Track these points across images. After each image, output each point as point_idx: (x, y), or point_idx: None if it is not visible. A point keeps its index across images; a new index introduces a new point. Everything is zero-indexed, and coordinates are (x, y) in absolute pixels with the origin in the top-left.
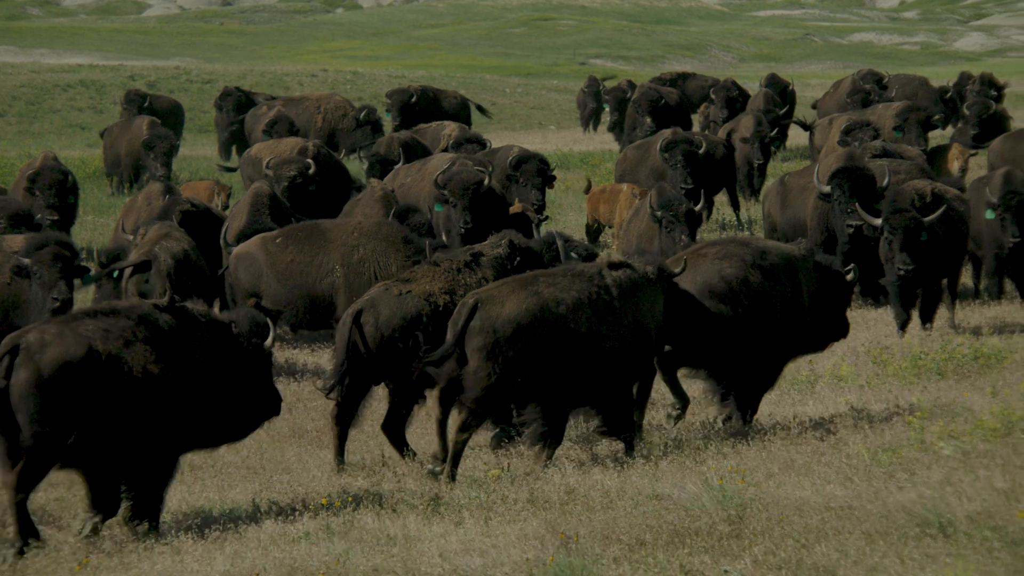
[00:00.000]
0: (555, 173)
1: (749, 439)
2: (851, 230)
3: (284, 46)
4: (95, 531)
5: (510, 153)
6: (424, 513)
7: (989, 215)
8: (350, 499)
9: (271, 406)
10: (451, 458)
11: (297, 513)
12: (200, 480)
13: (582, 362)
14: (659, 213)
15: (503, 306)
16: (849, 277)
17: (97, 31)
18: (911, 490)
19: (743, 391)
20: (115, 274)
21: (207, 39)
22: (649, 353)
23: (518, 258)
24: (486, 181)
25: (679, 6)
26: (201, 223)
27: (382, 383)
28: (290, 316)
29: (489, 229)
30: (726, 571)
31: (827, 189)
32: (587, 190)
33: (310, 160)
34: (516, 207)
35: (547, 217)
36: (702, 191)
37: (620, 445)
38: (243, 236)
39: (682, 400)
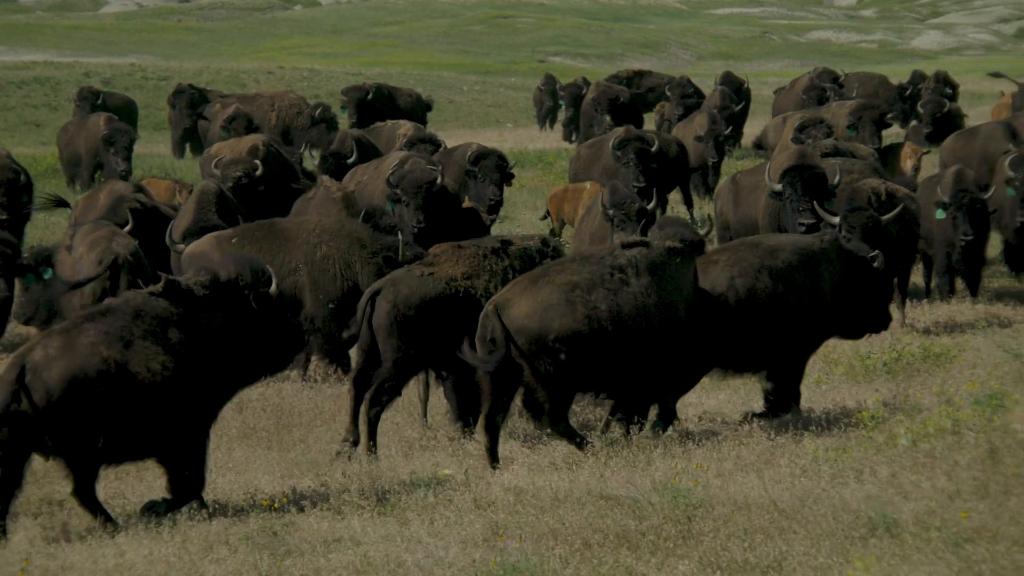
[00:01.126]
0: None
1: (700, 439)
2: (803, 228)
3: (242, 43)
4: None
5: (468, 150)
6: (370, 514)
7: (940, 214)
8: (295, 500)
9: (295, 342)
10: (566, 434)
11: (242, 514)
12: (146, 480)
13: (613, 346)
14: (611, 212)
15: (519, 306)
16: (875, 264)
17: (54, 28)
18: (858, 490)
19: (775, 388)
20: (47, 275)
21: (164, 36)
22: (681, 329)
23: (550, 257)
24: (438, 180)
25: (637, 4)
26: (149, 222)
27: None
28: None
29: (442, 228)
30: (671, 572)
31: (779, 187)
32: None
33: (257, 161)
34: (466, 204)
35: (496, 218)
36: (654, 189)
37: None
38: (189, 234)
39: None
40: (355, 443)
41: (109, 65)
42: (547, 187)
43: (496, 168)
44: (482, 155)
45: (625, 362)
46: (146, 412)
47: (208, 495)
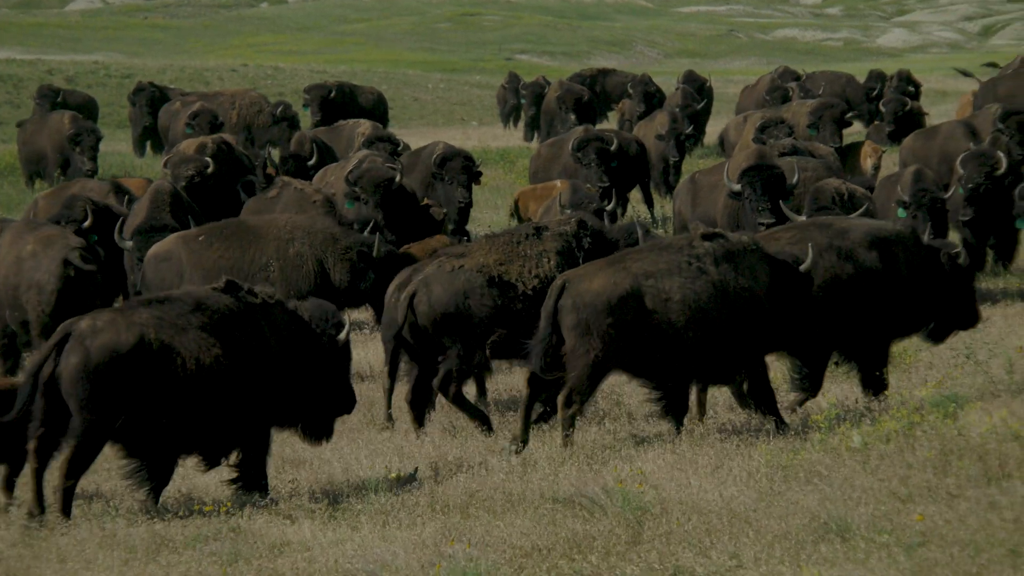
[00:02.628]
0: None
1: (654, 440)
2: (762, 228)
3: (208, 41)
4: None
5: (435, 150)
6: (322, 518)
7: (901, 214)
8: (245, 504)
9: (345, 402)
10: (565, 426)
11: (190, 519)
12: (95, 484)
13: (684, 333)
14: (568, 211)
15: (591, 282)
16: (960, 261)
17: (19, 25)
18: (812, 492)
19: (863, 368)
20: None
21: (130, 34)
22: (754, 320)
23: (588, 238)
24: (397, 178)
25: (604, 2)
26: (102, 221)
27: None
28: None
29: (401, 226)
30: None
31: (737, 187)
32: None
33: (209, 159)
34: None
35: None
36: (613, 189)
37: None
38: (139, 232)
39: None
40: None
41: (72, 62)
42: (509, 186)
43: (463, 169)
44: (448, 157)
45: (689, 351)
46: (187, 404)
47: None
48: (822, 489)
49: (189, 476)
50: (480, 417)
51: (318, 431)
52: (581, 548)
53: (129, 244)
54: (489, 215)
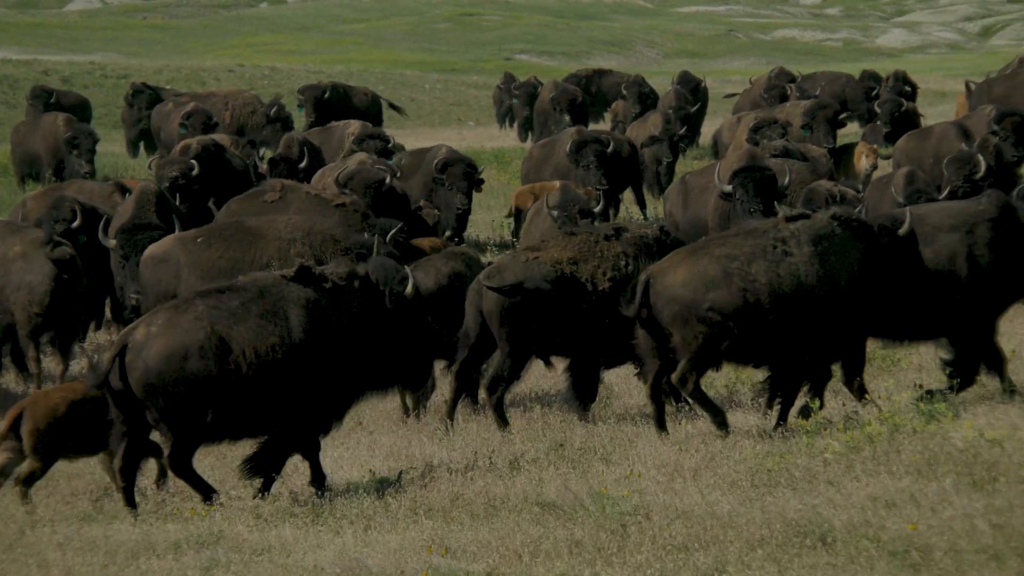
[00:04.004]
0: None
1: (641, 443)
2: None
3: (207, 41)
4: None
5: (438, 154)
6: (303, 522)
7: None
8: (227, 508)
9: (433, 349)
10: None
11: (170, 522)
12: (73, 489)
13: (769, 318)
14: (555, 213)
15: (677, 272)
16: None
17: (17, 25)
18: (794, 497)
19: (957, 358)
20: None
21: (129, 34)
22: (845, 302)
23: (668, 243)
24: (387, 180)
25: (603, 2)
26: (90, 223)
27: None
28: None
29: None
30: None
31: (729, 188)
32: None
33: (193, 160)
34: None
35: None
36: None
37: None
38: (124, 231)
39: None
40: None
41: (68, 63)
42: (503, 187)
43: (464, 175)
44: (450, 162)
45: (782, 335)
46: (256, 391)
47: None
48: (806, 494)
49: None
50: (503, 422)
51: (416, 380)
52: (564, 552)
53: (112, 243)
54: (482, 215)
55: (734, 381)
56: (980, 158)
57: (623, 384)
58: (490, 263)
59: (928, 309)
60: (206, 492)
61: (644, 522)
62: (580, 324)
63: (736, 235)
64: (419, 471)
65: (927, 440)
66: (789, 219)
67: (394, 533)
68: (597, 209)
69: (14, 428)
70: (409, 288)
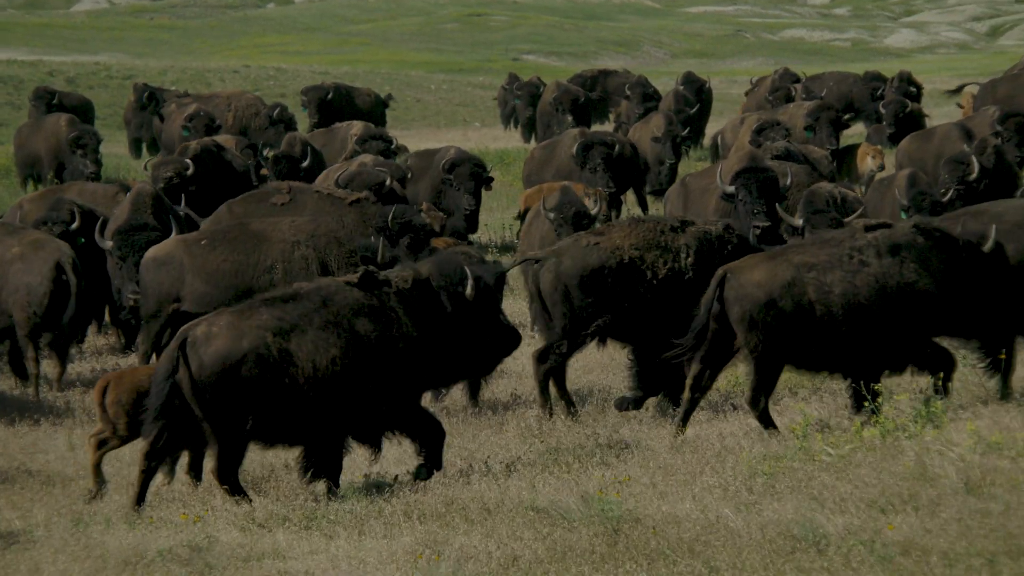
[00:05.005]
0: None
1: (636, 447)
2: (758, 231)
3: (214, 41)
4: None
5: (446, 155)
6: (297, 527)
7: (903, 217)
8: (221, 513)
9: (505, 340)
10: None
11: (163, 528)
12: (69, 493)
13: (843, 328)
14: (551, 215)
15: (753, 273)
16: None
17: (24, 25)
18: (789, 502)
19: None
20: None
21: (135, 34)
22: (926, 310)
23: (732, 243)
24: (387, 181)
25: (611, 2)
26: (88, 225)
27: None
28: None
29: None
30: None
31: (731, 189)
32: None
33: (188, 161)
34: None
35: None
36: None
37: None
38: (120, 232)
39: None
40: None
41: (73, 63)
42: (506, 188)
43: (472, 175)
44: (457, 162)
45: (858, 343)
46: (314, 399)
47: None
48: (800, 498)
49: (169, 487)
50: (568, 401)
51: (477, 373)
52: (558, 557)
53: (109, 244)
54: (484, 216)
55: (734, 384)
56: (973, 160)
57: (622, 387)
58: (495, 262)
59: (989, 307)
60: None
61: (636, 527)
62: (639, 311)
63: (814, 243)
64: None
65: (924, 443)
66: (868, 228)
67: (388, 538)
68: (594, 211)
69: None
70: (469, 290)
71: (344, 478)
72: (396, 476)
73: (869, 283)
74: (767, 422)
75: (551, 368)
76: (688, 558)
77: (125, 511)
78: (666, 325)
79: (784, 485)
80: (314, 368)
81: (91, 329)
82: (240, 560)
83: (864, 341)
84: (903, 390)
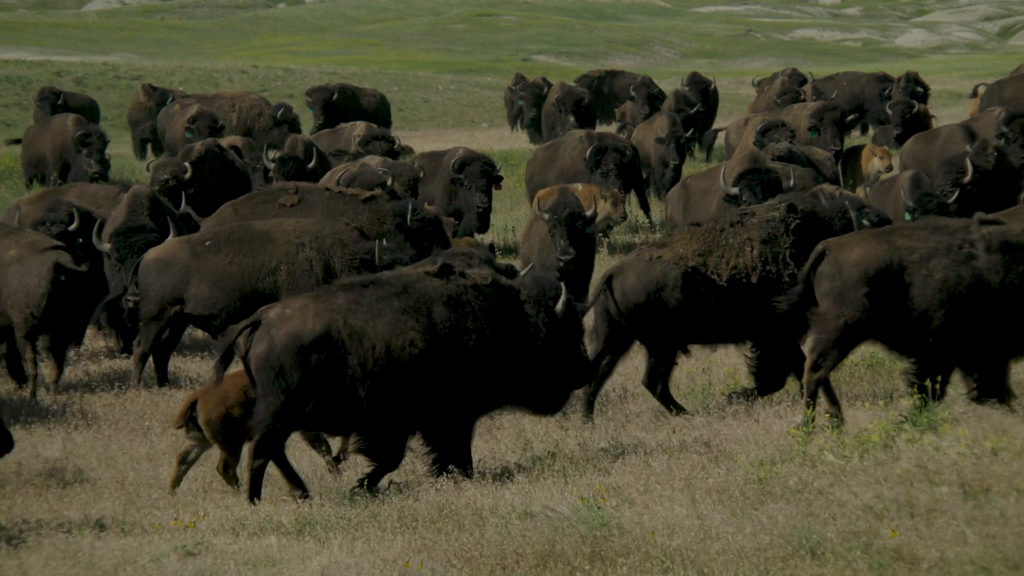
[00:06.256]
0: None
1: (633, 451)
2: None
3: (224, 41)
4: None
5: (455, 155)
6: (289, 532)
7: (908, 219)
8: (215, 517)
9: (577, 373)
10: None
11: (156, 533)
12: (66, 497)
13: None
14: (545, 216)
15: (852, 251)
16: None
17: (35, 25)
18: (785, 507)
19: None
20: None
21: (146, 34)
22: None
23: (798, 221)
24: (388, 182)
25: (621, 2)
26: (85, 226)
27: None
28: (222, 320)
29: None
30: None
31: (734, 191)
32: None
33: (187, 164)
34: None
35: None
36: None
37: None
38: (118, 234)
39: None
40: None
41: (81, 63)
42: (510, 189)
43: (482, 174)
44: (467, 161)
45: (943, 333)
46: (389, 387)
47: (127, 512)
48: (796, 504)
49: (166, 489)
50: (679, 409)
51: (545, 405)
52: (549, 564)
53: (107, 246)
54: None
55: (732, 387)
56: (967, 163)
57: (620, 390)
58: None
59: None
60: (296, 481)
61: (630, 533)
62: (726, 314)
63: (924, 228)
64: (408, 481)
65: (922, 448)
66: (983, 222)
67: (381, 544)
68: (589, 213)
69: (193, 419)
70: (560, 305)
71: (338, 483)
72: (391, 481)
73: (972, 276)
74: (828, 392)
75: (664, 385)
76: (681, 564)
77: (117, 516)
78: (759, 319)
79: (780, 491)
80: (388, 351)
81: (89, 331)
82: (233, 565)
83: (950, 332)
84: (903, 394)
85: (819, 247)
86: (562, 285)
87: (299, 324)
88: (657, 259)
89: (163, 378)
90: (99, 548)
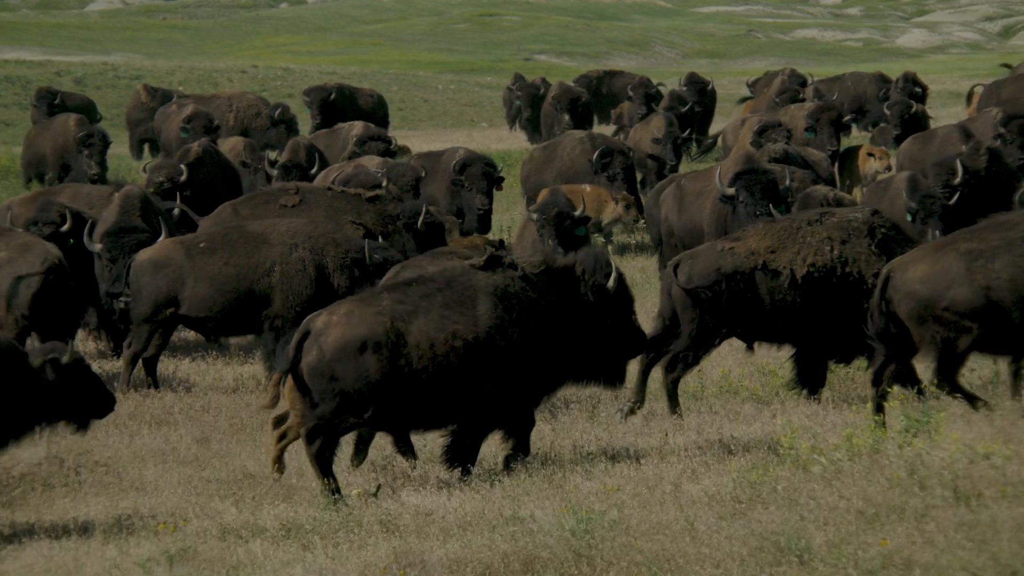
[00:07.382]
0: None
1: (623, 456)
2: None
3: (226, 41)
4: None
5: (455, 156)
6: (273, 537)
7: (909, 220)
8: (199, 522)
9: (633, 342)
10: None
11: (140, 538)
12: (50, 500)
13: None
14: (534, 216)
15: (916, 269)
16: None
17: (38, 25)
18: (775, 512)
19: None
20: None
21: (148, 34)
22: None
23: (882, 228)
24: (384, 183)
25: (623, 2)
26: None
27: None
28: (218, 322)
29: None
30: None
31: (731, 191)
32: None
33: (183, 166)
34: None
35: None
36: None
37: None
38: (109, 235)
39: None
40: (633, 410)
41: (82, 64)
42: (508, 188)
43: (483, 175)
44: (468, 162)
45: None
46: (441, 383)
47: (112, 514)
48: (788, 508)
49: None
50: (676, 406)
51: (607, 377)
52: (535, 569)
53: (98, 247)
54: None
55: (726, 390)
56: (958, 164)
57: (612, 394)
58: None
59: None
60: (330, 481)
61: (618, 538)
62: (786, 313)
63: (985, 228)
64: (396, 485)
65: (913, 452)
66: None
67: (364, 549)
68: (578, 213)
69: None
70: (611, 282)
71: (342, 484)
72: (379, 485)
73: None
74: (968, 397)
75: (678, 376)
76: (667, 569)
77: (102, 520)
78: (826, 322)
79: (770, 495)
80: (433, 347)
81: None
82: (217, 570)
83: None
84: (894, 397)
85: (884, 269)
86: (612, 259)
87: (346, 330)
88: (729, 250)
89: (153, 380)
90: (83, 553)
